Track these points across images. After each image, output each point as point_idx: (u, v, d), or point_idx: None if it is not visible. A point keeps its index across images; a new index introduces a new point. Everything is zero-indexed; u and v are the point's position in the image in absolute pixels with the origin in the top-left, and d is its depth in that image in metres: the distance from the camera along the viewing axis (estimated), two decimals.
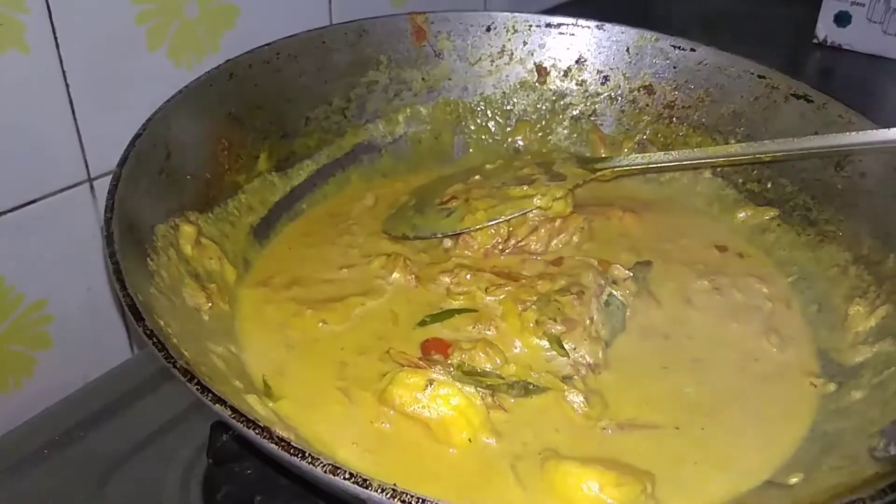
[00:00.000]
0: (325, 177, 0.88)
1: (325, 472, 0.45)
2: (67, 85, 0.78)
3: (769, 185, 0.86)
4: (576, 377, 0.68)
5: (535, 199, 0.81)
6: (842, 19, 1.40)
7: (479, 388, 0.64)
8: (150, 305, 0.57)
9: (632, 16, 0.97)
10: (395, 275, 0.77)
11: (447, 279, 0.77)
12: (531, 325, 0.71)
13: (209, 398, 0.49)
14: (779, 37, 1.49)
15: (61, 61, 0.77)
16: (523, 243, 0.82)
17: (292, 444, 0.46)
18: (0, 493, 0.70)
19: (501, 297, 0.74)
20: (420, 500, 0.44)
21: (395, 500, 0.44)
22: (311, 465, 0.45)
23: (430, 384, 0.63)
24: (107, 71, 0.81)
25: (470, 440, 0.62)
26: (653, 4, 1.62)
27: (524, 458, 0.61)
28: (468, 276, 0.76)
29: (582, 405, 0.65)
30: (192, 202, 0.73)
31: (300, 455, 0.46)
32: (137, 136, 0.68)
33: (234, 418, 0.48)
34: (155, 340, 0.52)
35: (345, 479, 0.45)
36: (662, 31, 0.92)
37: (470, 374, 0.66)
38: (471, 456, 0.61)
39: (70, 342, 0.89)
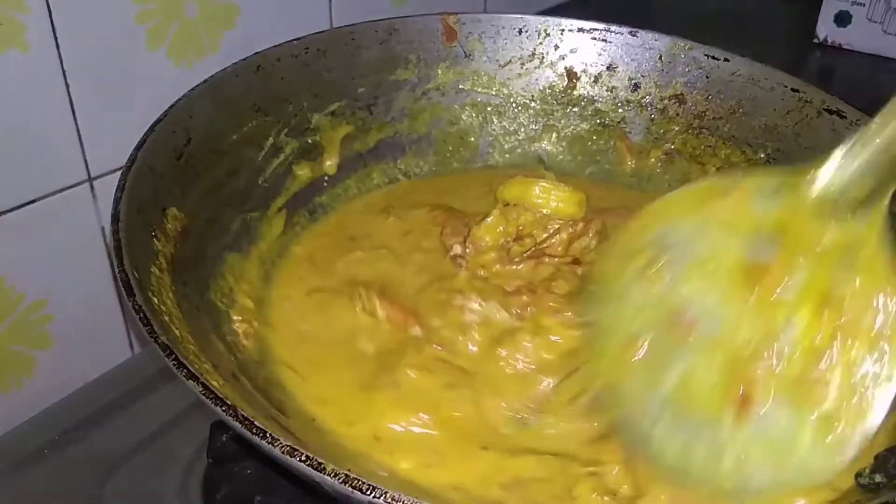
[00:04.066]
0: (348, 171, 0.89)
1: (283, 452, 0.46)
2: (67, 85, 0.79)
3: None
4: None
5: None
6: (842, 19, 1.38)
7: None
8: (148, 283, 0.59)
9: (631, 15, 0.96)
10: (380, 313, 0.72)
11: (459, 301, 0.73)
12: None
13: (183, 373, 0.50)
14: (779, 36, 1.47)
15: (61, 61, 0.77)
16: (545, 246, 0.80)
17: (255, 423, 0.47)
18: (0, 493, 0.71)
19: (531, 311, 0.72)
20: (370, 487, 0.44)
21: (347, 485, 0.44)
22: (270, 446, 0.46)
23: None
24: (107, 71, 0.81)
25: None
26: (653, 3, 1.60)
27: None
28: (478, 306, 0.72)
29: None
30: (209, 188, 0.74)
31: (261, 434, 0.46)
32: (158, 121, 0.70)
33: (204, 395, 0.49)
34: (141, 316, 0.53)
35: (300, 461, 0.45)
36: (661, 31, 0.90)
37: None
38: None
39: (70, 342, 0.89)
